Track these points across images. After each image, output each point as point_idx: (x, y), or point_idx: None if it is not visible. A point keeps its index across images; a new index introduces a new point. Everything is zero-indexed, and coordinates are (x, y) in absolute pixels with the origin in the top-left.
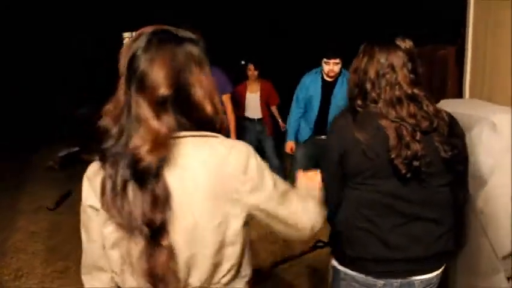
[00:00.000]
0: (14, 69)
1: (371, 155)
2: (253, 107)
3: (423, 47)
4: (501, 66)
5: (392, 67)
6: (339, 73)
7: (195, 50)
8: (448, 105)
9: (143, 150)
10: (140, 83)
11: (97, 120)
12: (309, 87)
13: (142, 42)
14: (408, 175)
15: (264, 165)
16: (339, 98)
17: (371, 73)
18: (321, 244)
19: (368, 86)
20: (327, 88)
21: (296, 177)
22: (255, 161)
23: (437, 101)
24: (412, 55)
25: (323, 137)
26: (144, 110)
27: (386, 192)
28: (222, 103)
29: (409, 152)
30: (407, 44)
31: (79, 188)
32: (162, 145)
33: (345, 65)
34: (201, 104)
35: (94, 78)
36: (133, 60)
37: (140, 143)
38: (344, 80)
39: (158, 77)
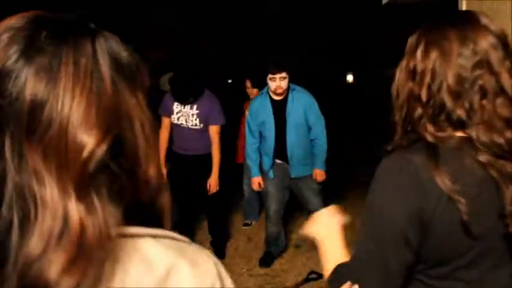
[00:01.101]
0: None
1: (477, 228)
2: None
3: None
4: None
5: (489, 64)
6: (288, 89)
7: (119, 51)
8: None
9: (54, 269)
10: (30, 125)
11: None
12: (259, 112)
13: (16, 42)
14: None
15: None
16: (295, 116)
17: (450, 77)
18: (314, 276)
19: (447, 98)
20: (279, 108)
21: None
22: None
23: None
24: (506, 43)
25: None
26: (47, 180)
27: None
28: (208, 133)
29: None
30: (496, 25)
31: None
32: (88, 258)
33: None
34: (141, 162)
35: None
36: (5, 77)
37: (42, 247)
38: (295, 95)
39: (77, 114)
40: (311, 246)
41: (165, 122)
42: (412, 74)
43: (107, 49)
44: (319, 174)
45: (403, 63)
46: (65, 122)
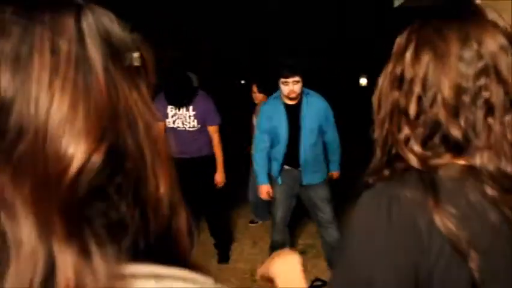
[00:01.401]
0: None
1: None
2: None
3: None
4: None
5: (496, 71)
6: (301, 93)
7: (116, 33)
8: None
9: None
10: None
11: None
12: (271, 116)
13: None
14: None
15: None
16: (310, 121)
17: (446, 87)
18: (318, 283)
19: (442, 114)
20: (292, 113)
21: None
22: None
23: None
24: None
25: (299, 169)
26: (21, 212)
27: None
28: (206, 133)
29: None
30: (504, 21)
31: None
32: None
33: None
34: (148, 177)
35: None
36: None
37: None
38: (310, 100)
39: (57, 117)
40: (317, 253)
41: None
42: (398, 81)
43: (98, 30)
44: (336, 174)
45: (388, 67)
46: (41, 129)
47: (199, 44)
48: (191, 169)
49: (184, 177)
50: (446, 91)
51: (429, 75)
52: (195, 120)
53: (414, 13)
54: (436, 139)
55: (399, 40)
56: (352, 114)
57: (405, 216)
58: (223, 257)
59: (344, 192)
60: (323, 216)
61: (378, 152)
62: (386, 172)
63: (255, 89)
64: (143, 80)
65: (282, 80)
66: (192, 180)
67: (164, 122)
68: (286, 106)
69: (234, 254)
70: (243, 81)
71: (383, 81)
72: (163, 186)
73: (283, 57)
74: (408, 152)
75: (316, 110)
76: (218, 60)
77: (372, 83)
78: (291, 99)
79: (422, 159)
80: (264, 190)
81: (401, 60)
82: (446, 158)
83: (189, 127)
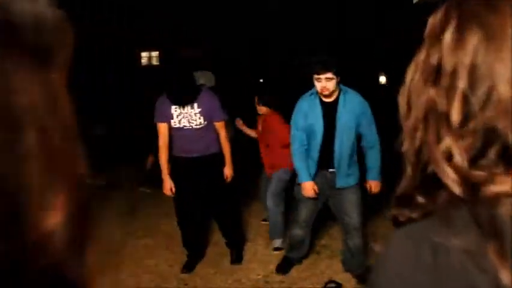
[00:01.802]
0: None
1: None
2: None
3: None
4: None
5: None
6: (338, 90)
7: (24, 7)
8: None
9: None
10: None
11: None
12: (308, 113)
13: None
14: None
15: None
16: (345, 119)
17: (504, 79)
18: (332, 285)
19: (500, 118)
20: (329, 111)
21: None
22: None
23: None
24: None
25: (331, 170)
26: None
27: None
28: (213, 128)
29: None
30: None
31: None
32: None
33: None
34: (31, 199)
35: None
36: None
37: None
38: (347, 98)
39: None
40: (331, 254)
41: (162, 128)
42: (435, 74)
43: None
44: (374, 185)
45: (420, 56)
46: None
47: (199, 44)
48: (198, 167)
49: (191, 176)
50: (504, 85)
51: (479, 64)
52: (201, 117)
53: (435, 9)
54: (491, 154)
55: (433, 20)
56: (378, 114)
57: (458, 273)
58: (236, 257)
59: (370, 200)
60: (349, 220)
61: (408, 170)
62: (421, 199)
63: (256, 99)
64: (55, 71)
65: (315, 76)
66: (200, 178)
67: (169, 123)
68: (323, 103)
69: (247, 255)
70: (261, 80)
71: (412, 74)
72: (56, 215)
73: (318, 53)
74: (450, 171)
75: (352, 107)
76: (218, 60)
77: (392, 80)
78: (325, 96)
79: (470, 184)
80: (309, 187)
81: (438, 45)
82: (507, 184)
83: (196, 125)
